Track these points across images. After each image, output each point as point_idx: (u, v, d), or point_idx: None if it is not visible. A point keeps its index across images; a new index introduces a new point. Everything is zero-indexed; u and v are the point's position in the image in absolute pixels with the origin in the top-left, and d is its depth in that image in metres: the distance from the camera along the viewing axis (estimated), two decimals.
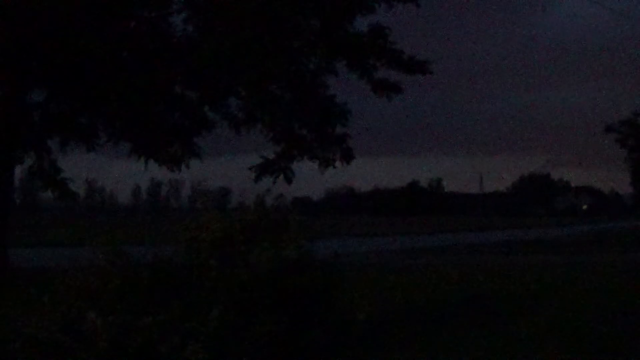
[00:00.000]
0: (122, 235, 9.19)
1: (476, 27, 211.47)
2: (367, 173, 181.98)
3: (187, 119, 16.54)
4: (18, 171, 18.29)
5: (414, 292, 14.84)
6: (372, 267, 21.07)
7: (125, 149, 16.40)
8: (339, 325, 9.13)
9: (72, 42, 14.08)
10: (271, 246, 9.08)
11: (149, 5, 15.67)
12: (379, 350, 9.28)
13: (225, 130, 17.04)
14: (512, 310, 12.62)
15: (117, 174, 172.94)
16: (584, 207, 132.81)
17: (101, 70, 14.76)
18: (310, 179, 23.06)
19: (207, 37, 15.49)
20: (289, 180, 17.11)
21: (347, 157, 17.19)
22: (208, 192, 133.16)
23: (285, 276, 8.94)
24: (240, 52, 15.18)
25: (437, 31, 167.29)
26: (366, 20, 16.76)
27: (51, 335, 7.69)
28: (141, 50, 15.30)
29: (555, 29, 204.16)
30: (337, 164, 17.20)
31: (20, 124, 15.92)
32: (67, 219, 51.27)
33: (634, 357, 9.43)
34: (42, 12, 13.46)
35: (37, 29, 13.61)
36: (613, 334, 10.38)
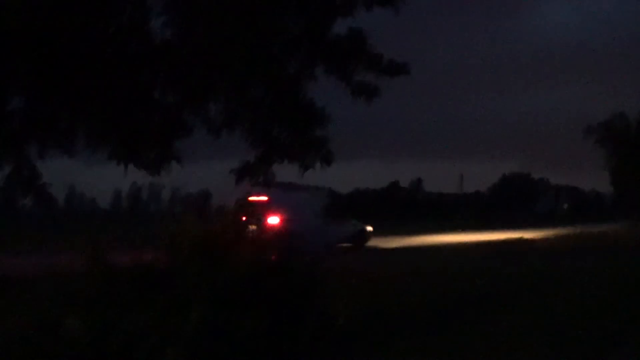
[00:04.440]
0: (103, 239, 9.23)
1: (455, 31, 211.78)
2: (347, 176, 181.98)
3: (166, 123, 16.53)
4: None
5: (395, 293, 14.91)
6: (351, 268, 21.12)
7: (105, 154, 16.39)
8: (319, 326, 9.18)
9: (52, 45, 14.06)
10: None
11: (128, 10, 15.66)
12: (359, 351, 9.35)
13: (205, 134, 17.05)
14: (494, 311, 12.70)
15: (97, 179, 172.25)
16: (565, 206, 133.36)
17: (81, 74, 14.75)
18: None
19: (186, 41, 15.51)
20: (268, 184, 17.19)
21: (327, 160, 17.26)
22: (188, 196, 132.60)
23: (265, 278, 9.00)
24: (219, 56, 15.22)
25: (416, 34, 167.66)
26: (345, 24, 16.84)
27: (31, 337, 7.71)
28: (120, 54, 15.28)
29: (533, 32, 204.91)
30: (317, 166, 17.28)
31: None
32: (48, 225, 50.92)
33: (615, 357, 9.55)
34: (22, 15, 13.44)
35: (16, 32, 13.58)
36: (595, 335, 10.48)
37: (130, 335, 7.60)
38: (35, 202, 17.99)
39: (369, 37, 16.81)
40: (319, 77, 17.17)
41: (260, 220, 29.48)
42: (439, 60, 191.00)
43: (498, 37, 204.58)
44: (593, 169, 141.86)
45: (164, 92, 16.42)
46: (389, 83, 17.17)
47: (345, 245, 34.31)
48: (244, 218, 30.94)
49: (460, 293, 15.01)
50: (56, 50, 14.26)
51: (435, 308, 13.02)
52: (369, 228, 37.85)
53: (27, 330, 7.73)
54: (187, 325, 7.77)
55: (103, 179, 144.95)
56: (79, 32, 14.35)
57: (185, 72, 15.30)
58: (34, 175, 17.20)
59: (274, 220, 31.08)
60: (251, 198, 31.09)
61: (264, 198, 31.81)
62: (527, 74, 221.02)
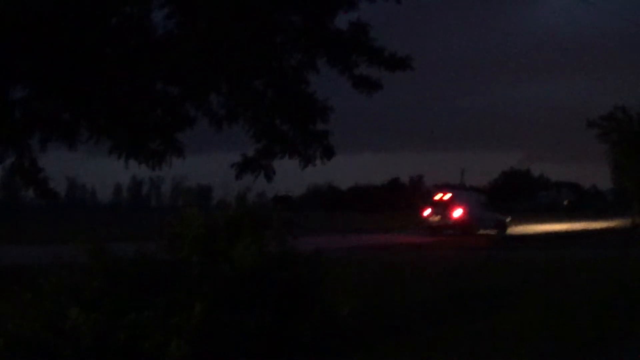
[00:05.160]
0: (104, 232, 9.24)
1: (456, 22, 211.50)
2: (347, 169, 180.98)
3: (168, 116, 16.48)
4: None
5: (398, 287, 14.90)
6: (354, 262, 21.11)
7: (106, 146, 16.33)
8: (323, 320, 9.16)
9: (55, 39, 14.03)
10: (254, 242, 9.10)
11: (130, 2, 15.62)
12: (362, 344, 9.33)
13: (207, 127, 17.00)
14: (497, 305, 12.68)
15: (98, 171, 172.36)
16: (565, 202, 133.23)
17: (83, 67, 14.71)
18: (292, 176, 23.09)
19: (188, 33, 15.46)
20: (269, 178, 17.12)
21: (328, 154, 17.21)
22: (189, 189, 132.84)
23: (268, 272, 8.97)
24: (221, 48, 15.17)
25: (418, 26, 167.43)
26: (347, 17, 16.78)
27: (34, 333, 7.69)
28: (123, 47, 15.24)
29: (536, 24, 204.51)
30: (318, 161, 17.23)
31: (1, 122, 15.82)
32: (49, 217, 50.95)
33: (619, 351, 9.54)
34: (24, 9, 13.41)
35: (19, 25, 13.55)
36: (599, 329, 10.47)
37: (134, 330, 7.58)
38: (36, 194, 17.96)
39: (370, 30, 16.78)
40: (320, 70, 17.14)
41: (445, 211, 42.37)
42: (441, 52, 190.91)
43: (501, 29, 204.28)
44: (593, 164, 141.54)
45: (167, 84, 16.37)
46: (391, 76, 17.16)
47: (490, 232, 42.63)
48: (428, 211, 42.36)
49: None
50: (58, 43, 14.22)
51: None
52: (509, 219, 46.34)
53: (31, 325, 7.71)
54: (190, 321, 7.75)
55: (104, 171, 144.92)
56: (81, 24, 14.31)
57: (187, 65, 15.24)
58: (36, 168, 17.16)
59: (458, 211, 42.27)
60: (436, 197, 44.31)
61: (448, 196, 43.79)
62: (530, 66, 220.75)
